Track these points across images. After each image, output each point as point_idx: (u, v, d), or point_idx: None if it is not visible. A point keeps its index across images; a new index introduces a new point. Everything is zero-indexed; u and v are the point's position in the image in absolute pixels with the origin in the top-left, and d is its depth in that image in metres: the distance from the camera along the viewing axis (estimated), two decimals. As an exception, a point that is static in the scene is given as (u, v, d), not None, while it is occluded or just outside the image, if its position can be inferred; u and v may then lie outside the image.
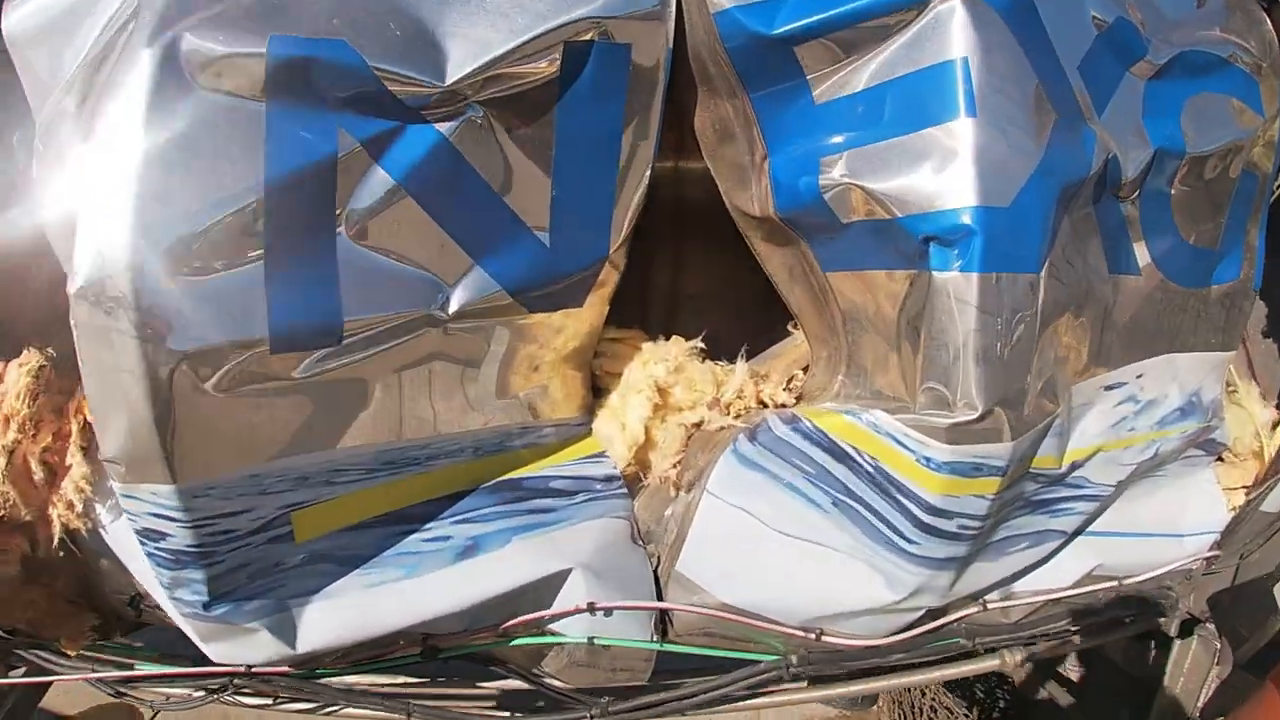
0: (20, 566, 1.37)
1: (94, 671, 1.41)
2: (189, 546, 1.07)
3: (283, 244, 1.03)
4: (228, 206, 1.00)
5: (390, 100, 1.08)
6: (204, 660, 1.25)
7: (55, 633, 1.44)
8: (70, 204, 1.07)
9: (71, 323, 1.00)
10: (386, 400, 1.14)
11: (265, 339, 1.02)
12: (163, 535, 1.07)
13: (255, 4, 1.04)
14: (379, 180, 1.08)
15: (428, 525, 1.21)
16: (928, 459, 1.20)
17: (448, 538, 1.21)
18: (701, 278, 1.68)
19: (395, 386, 1.14)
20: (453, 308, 1.13)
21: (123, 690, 1.46)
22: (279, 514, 1.11)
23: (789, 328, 1.48)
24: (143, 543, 1.09)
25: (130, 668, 1.41)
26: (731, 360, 1.40)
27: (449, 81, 1.08)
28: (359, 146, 1.07)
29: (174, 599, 1.13)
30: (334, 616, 1.17)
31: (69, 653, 1.44)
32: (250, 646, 1.18)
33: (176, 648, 1.41)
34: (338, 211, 1.06)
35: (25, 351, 1.32)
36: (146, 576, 1.24)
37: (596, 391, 1.35)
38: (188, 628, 1.18)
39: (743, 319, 1.48)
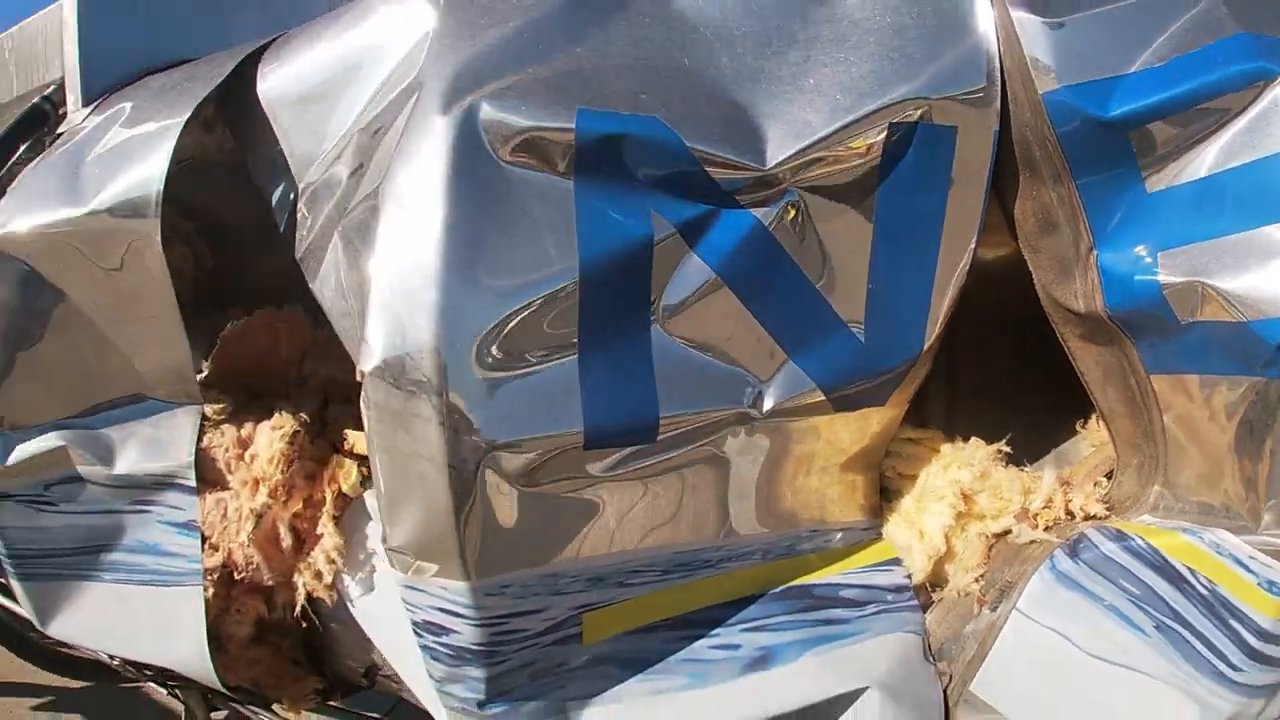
0: (253, 627, 1.38)
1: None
2: (474, 644, 1.03)
3: (597, 333, 0.99)
4: (541, 289, 0.96)
5: (706, 183, 1.03)
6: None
7: (279, 692, 1.45)
8: (348, 273, 1.07)
9: (363, 402, 0.98)
10: (688, 500, 1.08)
11: (579, 434, 0.98)
12: (446, 630, 1.03)
13: (554, 75, 1.01)
14: (695, 268, 1.03)
15: (715, 631, 1.14)
16: (1271, 583, 1.07)
17: (737, 646, 1.14)
18: (980, 371, 1.57)
19: (698, 486, 1.08)
20: (766, 405, 1.06)
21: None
22: (570, 615, 1.06)
23: (1078, 427, 1.36)
24: (420, 635, 1.05)
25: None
26: (1017, 463, 1.28)
27: (770, 165, 1.03)
28: (674, 231, 1.02)
29: (444, 693, 1.09)
30: (612, 724, 1.11)
31: (291, 715, 1.44)
32: (520, 749, 1.13)
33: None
34: (652, 300, 1.02)
35: (277, 415, 1.34)
36: (401, 658, 1.22)
37: (884, 493, 1.26)
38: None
39: (1024, 416, 1.36)
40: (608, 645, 1.10)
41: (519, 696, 1.07)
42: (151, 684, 1.74)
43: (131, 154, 1.25)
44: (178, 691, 1.59)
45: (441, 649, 1.04)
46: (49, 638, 1.51)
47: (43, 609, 1.38)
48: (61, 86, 1.54)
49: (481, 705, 1.06)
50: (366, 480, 1.29)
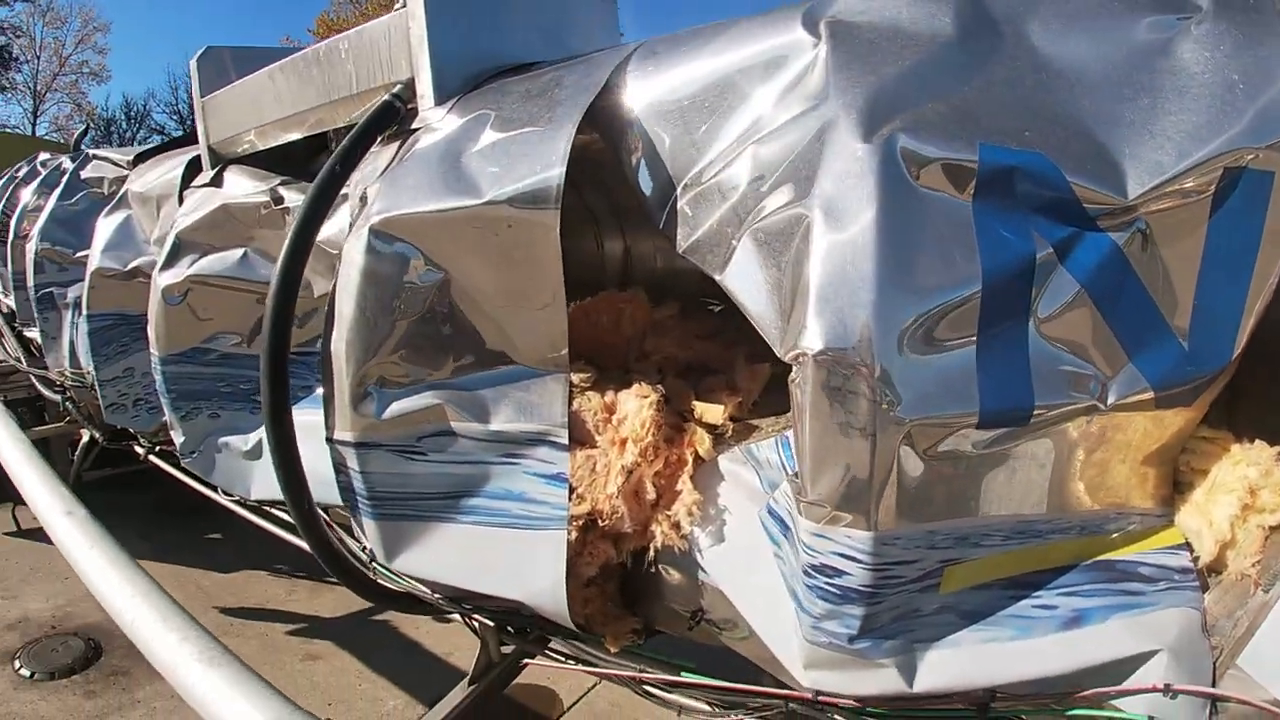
0: (597, 570, 1.57)
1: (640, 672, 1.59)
2: (862, 586, 1.22)
3: (991, 331, 1.17)
4: (951, 293, 1.15)
5: (1077, 209, 1.22)
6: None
7: (604, 630, 1.64)
8: (766, 269, 1.26)
9: (797, 378, 1.17)
10: (1036, 477, 1.26)
11: (975, 415, 1.16)
12: (839, 573, 1.22)
13: (952, 111, 1.22)
14: (1065, 280, 1.22)
15: (1038, 593, 1.32)
16: None
17: (1054, 607, 1.31)
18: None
19: (1045, 466, 1.26)
20: (1109, 400, 1.25)
21: (650, 691, 1.63)
22: (936, 567, 1.25)
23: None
24: (810, 575, 1.24)
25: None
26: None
27: (1130, 198, 1.21)
28: (1050, 249, 1.21)
29: (818, 629, 1.28)
30: (950, 664, 1.29)
31: (611, 649, 1.63)
32: (865, 681, 1.31)
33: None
34: (1031, 305, 1.20)
35: (638, 384, 1.53)
36: (749, 600, 1.41)
37: (1176, 486, 1.43)
38: (802, 653, 1.33)
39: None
40: (954, 597, 1.29)
41: (881, 635, 1.26)
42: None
43: (524, 153, 1.45)
44: (478, 623, 1.78)
45: (831, 589, 1.23)
46: (377, 570, 1.72)
47: (390, 545, 1.59)
48: (408, 85, 1.74)
49: (852, 640, 1.25)
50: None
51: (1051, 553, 1.33)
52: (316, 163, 2.60)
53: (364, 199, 1.58)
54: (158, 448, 3.85)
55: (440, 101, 1.70)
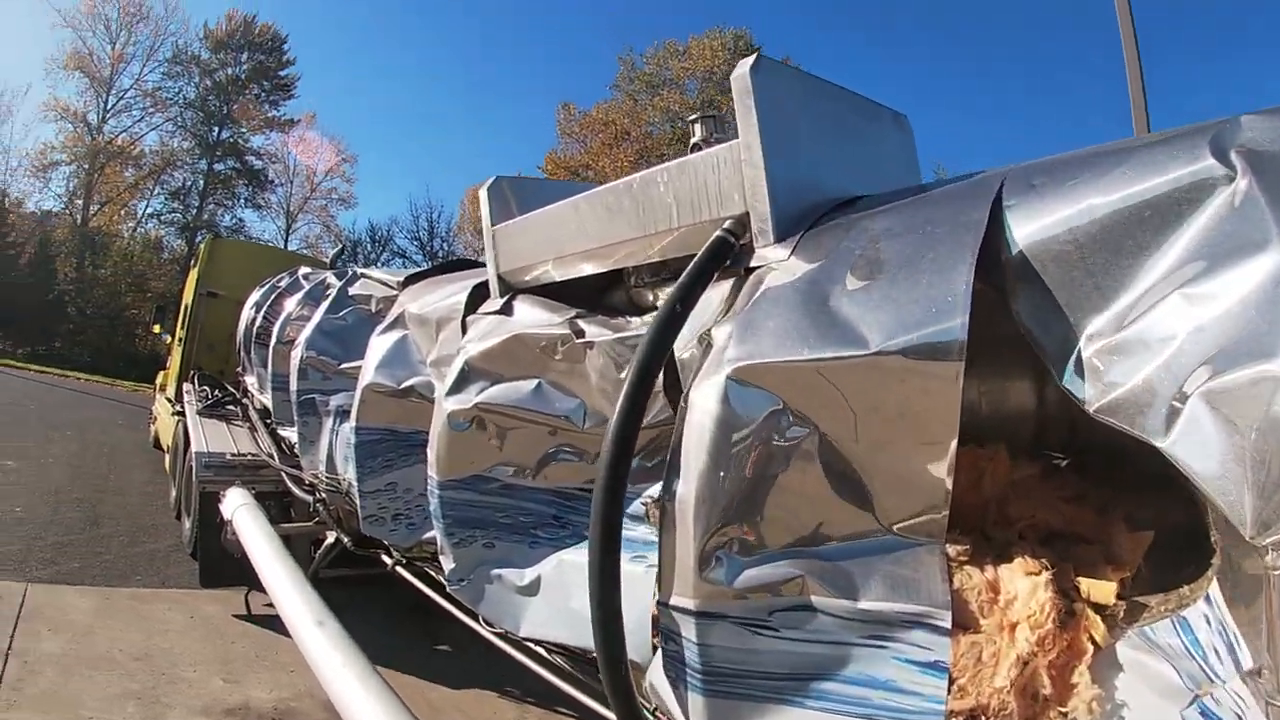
0: None
1: None
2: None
3: None
4: None
5: None
6: None
7: None
8: (1227, 439, 1.05)
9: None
10: None
11: None
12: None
13: None
14: None
15: None
16: None
17: None
18: None
19: None
20: None
21: None
22: None
23: None
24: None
25: None
26: None
27: None
28: None
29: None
30: None
31: None
32: None
33: None
34: None
35: (1022, 559, 1.32)
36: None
37: None
38: None
39: None
40: None
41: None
42: None
43: (912, 298, 1.31)
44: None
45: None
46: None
47: (714, 725, 1.42)
48: (739, 220, 1.68)
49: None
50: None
51: None
52: (613, 296, 2.60)
53: (707, 342, 1.50)
54: (405, 560, 3.93)
55: (780, 238, 1.62)
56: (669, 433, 1.98)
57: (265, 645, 5.75)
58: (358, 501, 3.43)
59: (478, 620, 2.98)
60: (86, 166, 38.02)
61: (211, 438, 7.16)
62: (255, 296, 8.14)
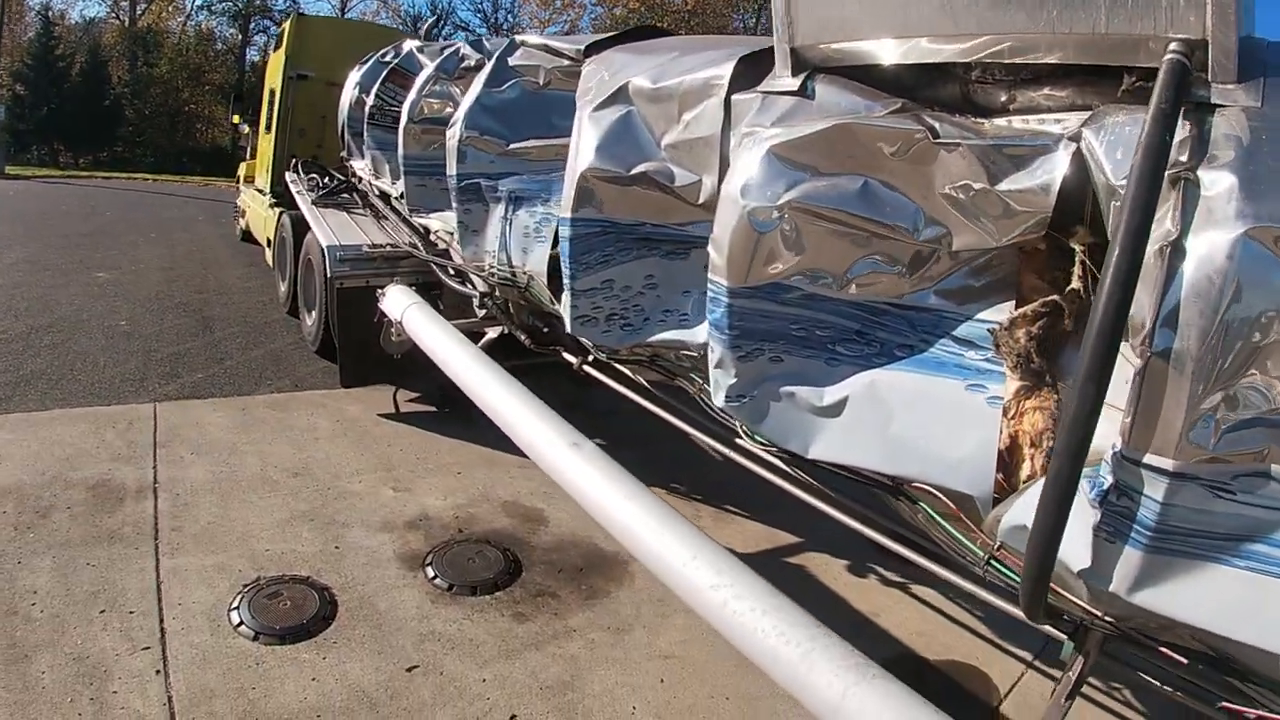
0: None
1: None
2: None
3: None
4: None
5: None
6: None
7: None
8: None
9: None
10: None
11: None
12: None
13: None
14: None
15: None
16: None
17: None
18: None
19: None
20: None
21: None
22: None
23: None
24: None
25: None
26: None
27: None
28: None
29: None
30: None
31: None
32: None
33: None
34: None
35: None
36: None
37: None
38: None
39: None
40: None
41: None
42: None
43: None
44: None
45: None
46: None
47: (1140, 578, 1.41)
48: (1192, 45, 1.50)
49: None
50: None
51: None
52: (939, 89, 2.18)
53: (1192, 182, 1.38)
54: (593, 359, 3.68)
55: (1240, 79, 1.46)
56: (1001, 254, 1.89)
57: (423, 447, 5.51)
58: (566, 300, 3.12)
59: (701, 430, 2.94)
60: (129, -35, 35.94)
61: (338, 229, 6.68)
62: (356, 76, 7.58)
